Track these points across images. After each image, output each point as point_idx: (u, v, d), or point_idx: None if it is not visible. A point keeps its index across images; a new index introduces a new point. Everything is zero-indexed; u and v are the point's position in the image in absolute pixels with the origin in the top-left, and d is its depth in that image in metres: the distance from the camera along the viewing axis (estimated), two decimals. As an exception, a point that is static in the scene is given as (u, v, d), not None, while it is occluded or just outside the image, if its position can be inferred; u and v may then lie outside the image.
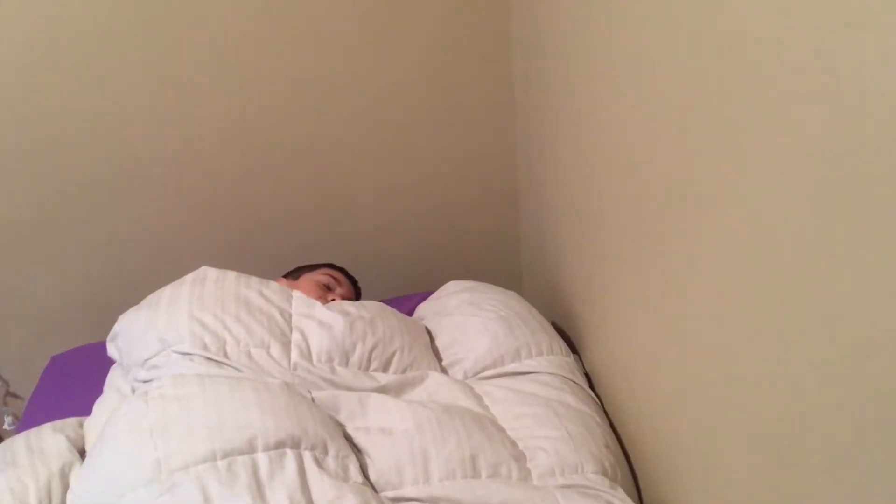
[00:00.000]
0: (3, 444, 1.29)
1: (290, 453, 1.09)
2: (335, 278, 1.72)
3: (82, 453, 1.26)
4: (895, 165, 0.66)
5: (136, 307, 1.48)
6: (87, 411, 1.38)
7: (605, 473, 1.23)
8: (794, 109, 0.79)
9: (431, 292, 1.79)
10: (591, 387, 1.50)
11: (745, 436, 0.99)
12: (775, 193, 0.84)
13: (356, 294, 1.79)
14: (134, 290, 1.56)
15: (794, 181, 0.80)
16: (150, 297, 1.49)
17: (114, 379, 1.44)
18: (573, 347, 1.61)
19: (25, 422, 1.48)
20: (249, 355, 1.34)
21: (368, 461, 1.18)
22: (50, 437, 1.27)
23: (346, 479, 1.10)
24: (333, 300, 1.63)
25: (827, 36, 0.72)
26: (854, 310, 0.74)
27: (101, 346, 1.63)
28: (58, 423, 1.33)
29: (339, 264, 1.81)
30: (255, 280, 1.52)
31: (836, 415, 0.80)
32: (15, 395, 1.97)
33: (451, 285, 1.75)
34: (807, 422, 0.85)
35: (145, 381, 1.32)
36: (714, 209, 0.98)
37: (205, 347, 1.33)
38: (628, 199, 1.27)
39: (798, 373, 0.85)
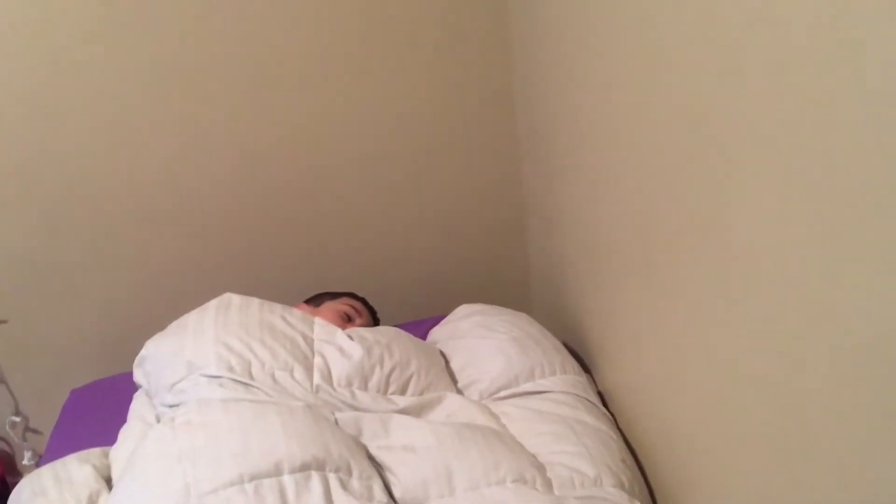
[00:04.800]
0: (30, 475, 1.31)
1: (315, 476, 1.11)
2: (356, 308, 1.74)
3: (108, 482, 1.28)
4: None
5: (161, 332, 1.51)
6: (109, 443, 1.39)
7: (622, 487, 1.25)
8: (798, 127, 0.82)
9: (443, 316, 1.82)
10: (605, 405, 1.52)
11: (759, 447, 1.01)
12: (781, 212, 0.88)
13: (374, 324, 1.81)
14: (151, 324, 1.59)
15: (799, 198, 0.84)
16: (176, 323, 1.52)
17: (138, 407, 1.45)
18: (585, 367, 1.63)
19: (48, 455, 1.50)
20: (274, 377, 1.37)
21: (393, 479, 1.20)
22: (76, 467, 1.29)
23: (370, 498, 1.12)
24: (353, 329, 1.65)
25: (829, 41, 0.76)
26: (859, 323, 0.78)
27: (121, 379, 1.66)
28: (83, 453, 1.35)
29: (358, 293, 1.84)
30: (278, 306, 1.55)
31: (845, 421, 0.82)
32: (35, 431, 1.98)
33: (463, 309, 1.77)
34: (819, 430, 0.88)
35: (171, 406, 1.34)
36: (722, 228, 1.01)
37: (231, 369, 1.36)
38: (635, 221, 1.30)
39: (808, 384, 0.88)
